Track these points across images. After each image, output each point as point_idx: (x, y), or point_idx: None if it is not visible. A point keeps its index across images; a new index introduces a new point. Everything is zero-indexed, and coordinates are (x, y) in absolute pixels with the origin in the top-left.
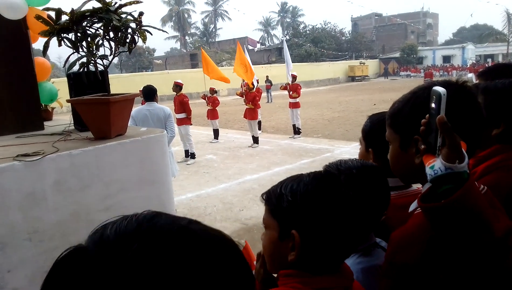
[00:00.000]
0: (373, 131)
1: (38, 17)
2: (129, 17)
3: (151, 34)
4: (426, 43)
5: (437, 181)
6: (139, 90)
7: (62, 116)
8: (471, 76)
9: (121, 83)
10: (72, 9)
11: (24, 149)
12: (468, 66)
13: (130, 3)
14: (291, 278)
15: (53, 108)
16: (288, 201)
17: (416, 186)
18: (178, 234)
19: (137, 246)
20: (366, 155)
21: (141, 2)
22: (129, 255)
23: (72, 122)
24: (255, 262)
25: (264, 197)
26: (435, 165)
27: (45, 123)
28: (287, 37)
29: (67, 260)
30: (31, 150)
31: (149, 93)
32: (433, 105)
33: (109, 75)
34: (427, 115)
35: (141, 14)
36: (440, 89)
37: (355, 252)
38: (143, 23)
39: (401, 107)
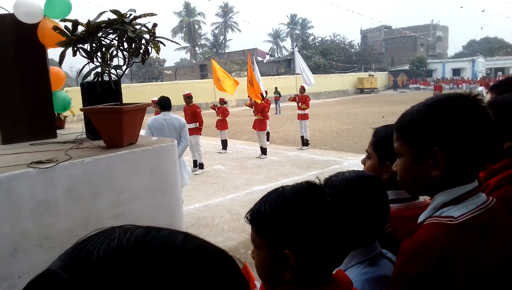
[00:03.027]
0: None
1: (55, 28)
2: (143, 28)
3: (164, 45)
4: (436, 56)
5: None
6: (152, 100)
7: (73, 124)
8: (481, 90)
9: (132, 93)
10: (88, 20)
11: (38, 157)
12: (478, 79)
13: (144, 15)
14: None
15: (65, 117)
16: (275, 221)
17: (423, 198)
18: (173, 257)
19: (131, 276)
20: (379, 169)
21: (155, 14)
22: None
23: (84, 130)
24: (256, 282)
25: (248, 218)
26: None
27: (58, 131)
28: (296, 48)
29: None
30: (44, 158)
31: (166, 104)
32: None
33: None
34: None
35: (155, 25)
36: None
37: (361, 263)
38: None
39: (417, 119)
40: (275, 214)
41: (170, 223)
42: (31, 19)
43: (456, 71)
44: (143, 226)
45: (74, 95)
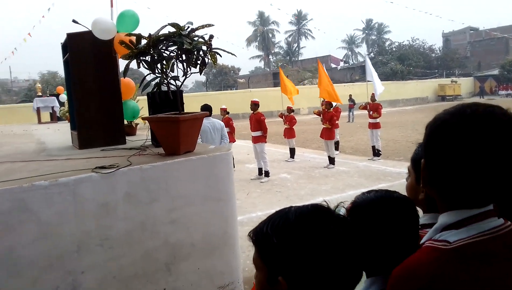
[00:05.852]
0: None
1: (122, 42)
2: (200, 40)
3: (221, 56)
4: None
5: None
6: (221, 108)
7: (145, 131)
8: None
9: (207, 100)
10: (150, 34)
11: (103, 162)
12: None
13: (202, 27)
14: None
15: (136, 124)
16: (273, 243)
17: None
18: None
19: None
20: (416, 187)
21: (212, 25)
22: None
23: (150, 138)
24: None
25: (251, 236)
26: None
27: (128, 138)
28: (372, 54)
29: None
30: (108, 163)
31: (208, 110)
32: None
33: (196, 92)
34: None
35: (211, 37)
36: None
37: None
38: (228, 44)
39: (420, 143)
40: (274, 235)
41: (223, 231)
42: (106, 36)
43: None
44: None
45: (145, 104)
